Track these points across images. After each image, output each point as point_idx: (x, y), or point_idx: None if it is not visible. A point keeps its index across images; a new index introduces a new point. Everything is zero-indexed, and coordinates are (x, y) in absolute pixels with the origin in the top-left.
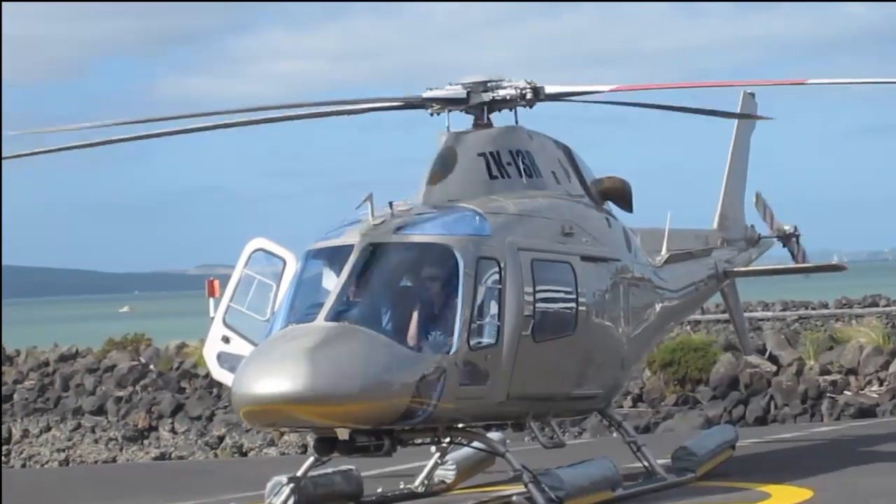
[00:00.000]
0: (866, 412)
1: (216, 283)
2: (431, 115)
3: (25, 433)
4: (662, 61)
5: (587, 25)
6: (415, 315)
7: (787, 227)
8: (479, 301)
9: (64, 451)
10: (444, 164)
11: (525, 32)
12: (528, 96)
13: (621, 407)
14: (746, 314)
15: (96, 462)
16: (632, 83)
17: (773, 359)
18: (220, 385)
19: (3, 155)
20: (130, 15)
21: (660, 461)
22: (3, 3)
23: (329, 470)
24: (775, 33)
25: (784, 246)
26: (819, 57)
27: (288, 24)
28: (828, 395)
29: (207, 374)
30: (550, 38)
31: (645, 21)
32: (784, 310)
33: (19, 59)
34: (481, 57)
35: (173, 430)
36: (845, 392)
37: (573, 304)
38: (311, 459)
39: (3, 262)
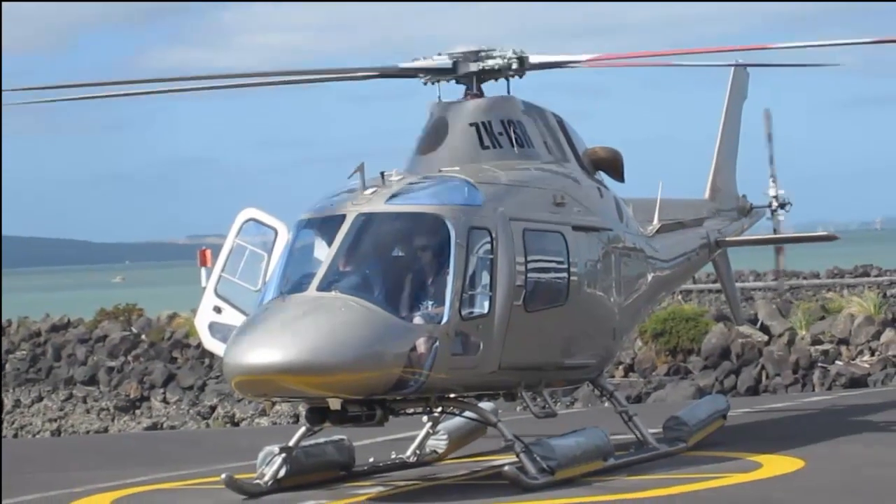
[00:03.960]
0: (858, 382)
1: (208, 252)
2: (425, 84)
3: (17, 403)
4: (648, 32)
5: None
6: (406, 285)
7: (781, 193)
8: (470, 271)
9: (56, 421)
10: (436, 134)
11: (511, 4)
12: (515, 66)
13: (613, 377)
14: (738, 284)
15: (88, 432)
16: (614, 52)
17: (764, 329)
18: (211, 355)
19: (4, 101)
20: None
21: (651, 431)
22: None
23: (321, 440)
24: (760, 5)
25: (771, 214)
26: (804, 29)
27: None
28: (819, 364)
29: (199, 345)
30: (536, 10)
31: None
32: (776, 279)
33: (3, 30)
34: (468, 29)
35: (165, 400)
36: (837, 362)
37: (565, 274)
38: (303, 429)
39: None
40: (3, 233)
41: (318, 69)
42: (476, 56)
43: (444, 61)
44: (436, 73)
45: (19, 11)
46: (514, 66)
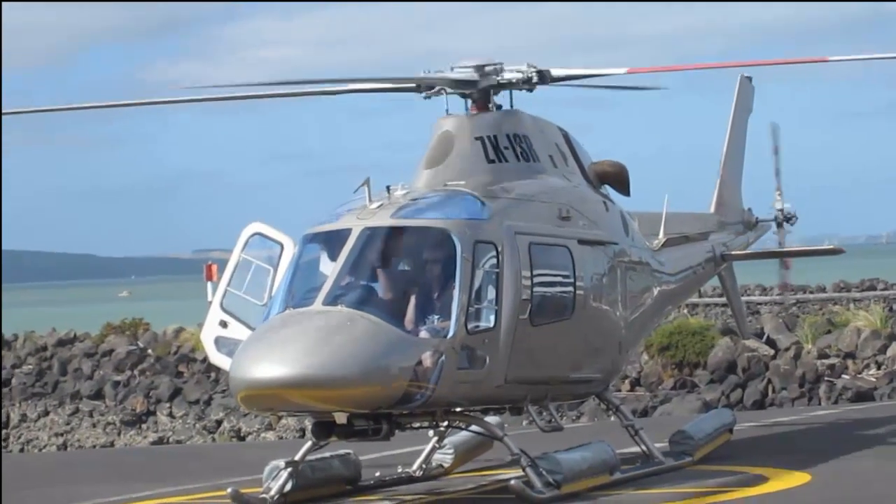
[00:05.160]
0: (864, 396)
1: (214, 267)
2: (426, 98)
3: (23, 418)
4: (650, 46)
5: (571, 11)
6: (412, 299)
7: (787, 206)
8: (476, 285)
9: (62, 435)
10: (442, 148)
11: (509, 19)
12: (535, 80)
13: (619, 391)
14: (744, 298)
15: (94, 446)
16: (643, 66)
17: (770, 342)
18: (217, 369)
19: (4, 110)
20: (117, 2)
21: (657, 445)
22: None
23: (327, 454)
24: (761, 20)
25: (777, 227)
26: (808, 43)
27: (274, 10)
28: (825, 378)
29: (205, 359)
30: (535, 25)
31: (630, 6)
32: (782, 293)
33: (4, 46)
34: (465, 44)
35: (171, 415)
36: (843, 376)
37: (571, 288)
38: (309, 443)
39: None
40: (9, 247)
41: (328, 79)
42: (490, 70)
43: (465, 74)
44: (454, 86)
45: (22, 24)
46: (535, 79)
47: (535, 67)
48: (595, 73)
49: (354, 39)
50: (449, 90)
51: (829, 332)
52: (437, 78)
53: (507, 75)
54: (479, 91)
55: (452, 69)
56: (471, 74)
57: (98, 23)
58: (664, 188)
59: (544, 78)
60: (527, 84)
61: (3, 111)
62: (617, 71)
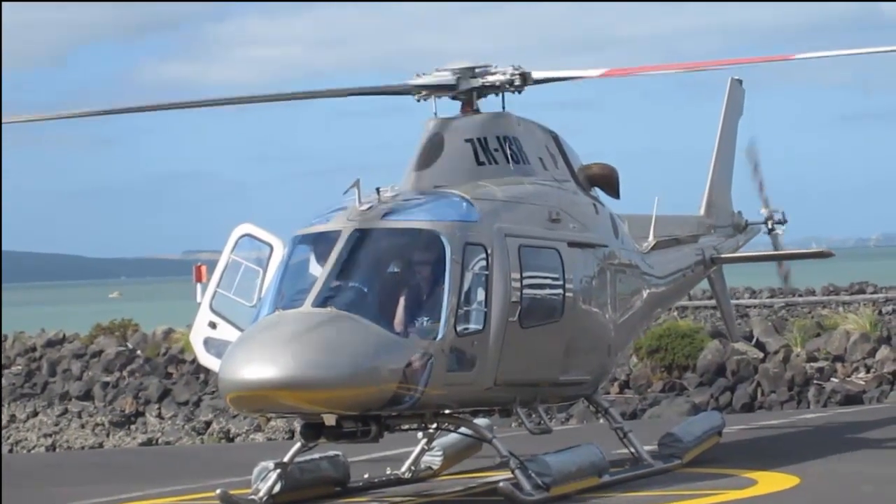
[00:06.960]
0: (853, 399)
1: (203, 268)
2: (418, 100)
3: (12, 418)
4: (642, 47)
5: (565, 12)
6: (402, 301)
7: (775, 212)
8: (466, 287)
9: (51, 436)
10: (432, 150)
11: (502, 20)
12: (517, 82)
13: (608, 393)
14: (733, 301)
15: (83, 447)
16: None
17: (760, 345)
18: (207, 370)
19: (4, 120)
20: (108, 2)
21: (646, 448)
22: None
23: (316, 455)
24: (754, 21)
25: (768, 233)
26: (797, 44)
27: (264, 11)
28: (814, 381)
29: (194, 360)
30: (528, 25)
31: (623, 7)
32: (771, 296)
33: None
34: (459, 45)
35: (160, 416)
36: (832, 379)
37: (560, 291)
38: (298, 445)
39: None
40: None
41: (316, 91)
42: (474, 72)
43: (446, 77)
44: (437, 90)
45: (14, 25)
46: (517, 81)
47: (519, 70)
48: (573, 75)
49: (346, 40)
50: (438, 93)
51: (818, 335)
52: (426, 83)
53: (493, 77)
54: (468, 93)
55: (440, 71)
56: (460, 76)
57: (85, 23)
58: (654, 190)
59: (526, 80)
60: (510, 86)
61: (4, 121)
62: (592, 73)
